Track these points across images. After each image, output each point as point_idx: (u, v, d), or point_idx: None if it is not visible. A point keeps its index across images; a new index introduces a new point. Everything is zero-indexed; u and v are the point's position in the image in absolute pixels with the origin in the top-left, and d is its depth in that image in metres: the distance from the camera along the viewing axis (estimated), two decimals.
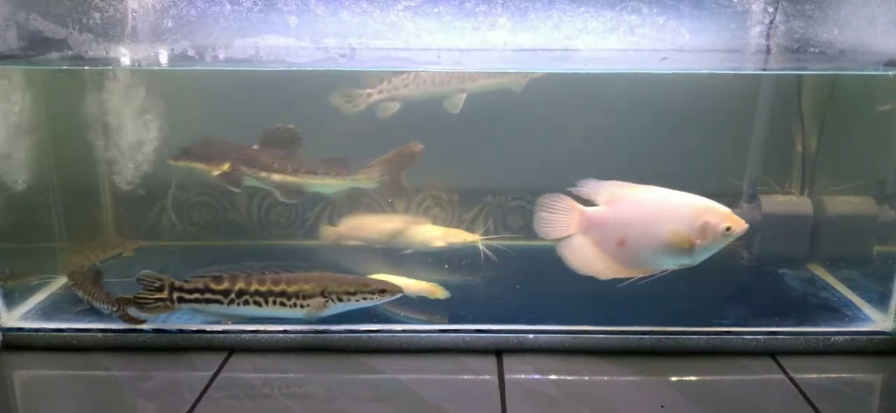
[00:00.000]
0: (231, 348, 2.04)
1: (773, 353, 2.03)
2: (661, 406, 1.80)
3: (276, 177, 2.23)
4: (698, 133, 2.47)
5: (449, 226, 2.52)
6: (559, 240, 1.92)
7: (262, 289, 1.99)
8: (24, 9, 1.86)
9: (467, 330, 2.05)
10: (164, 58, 1.91)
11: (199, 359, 2.00)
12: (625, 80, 2.33)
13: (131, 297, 2.01)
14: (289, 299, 1.99)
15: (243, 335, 2.04)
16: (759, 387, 1.91)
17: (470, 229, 2.45)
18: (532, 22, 1.92)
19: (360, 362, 1.99)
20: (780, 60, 1.96)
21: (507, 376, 1.92)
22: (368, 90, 2.28)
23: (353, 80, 2.27)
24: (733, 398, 1.86)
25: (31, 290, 2.25)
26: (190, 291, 2.00)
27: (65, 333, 2.05)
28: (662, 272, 1.87)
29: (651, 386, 1.89)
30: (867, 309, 2.20)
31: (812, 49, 1.92)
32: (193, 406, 1.79)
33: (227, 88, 2.36)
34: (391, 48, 1.93)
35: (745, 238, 1.87)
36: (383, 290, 1.99)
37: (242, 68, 1.96)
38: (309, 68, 1.94)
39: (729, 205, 1.85)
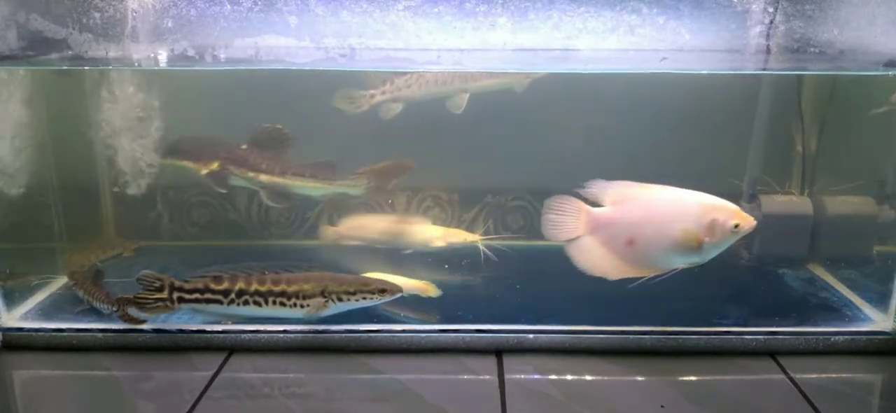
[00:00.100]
0: (231, 348, 2.04)
1: (773, 353, 2.03)
2: (661, 406, 1.80)
3: (264, 178, 2.23)
4: (698, 133, 2.47)
5: (449, 226, 2.52)
6: (567, 241, 1.92)
7: (262, 289, 1.99)
8: (24, 9, 1.86)
9: (467, 330, 2.05)
10: (163, 58, 1.91)
11: (199, 359, 2.00)
12: (625, 80, 2.33)
13: (131, 297, 2.01)
14: (289, 299, 1.99)
15: (243, 335, 2.04)
16: (759, 387, 1.91)
17: (470, 229, 2.45)
18: (532, 22, 1.92)
19: (360, 362, 1.99)
20: (780, 60, 1.96)
21: (507, 376, 1.92)
22: (371, 91, 2.28)
23: (354, 81, 2.27)
24: (733, 398, 1.86)
25: (31, 290, 2.26)
26: (190, 291, 2.00)
27: (65, 333, 2.05)
28: (671, 271, 1.87)
29: (651, 386, 1.89)
30: (867, 309, 2.20)
31: (812, 49, 1.92)
32: (193, 406, 1.79)
33: (227, 88, 2.36)
34: (391, 48, 1.93)
35: (746, 238, 1.87)
36: (383, 289, 1.99)
37: (242, 68, 1.96)
38: (309, 68, 1.94)
39: None
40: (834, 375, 1.96)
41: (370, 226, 2.45)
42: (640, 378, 1.93)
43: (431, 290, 2.18)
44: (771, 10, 1.92)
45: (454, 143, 2.43)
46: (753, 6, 1.93)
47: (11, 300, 2.15)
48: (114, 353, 2.02)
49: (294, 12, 1.90)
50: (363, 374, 1.94)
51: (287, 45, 1.91)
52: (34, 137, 2.22)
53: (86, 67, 2.08)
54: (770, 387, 1.91)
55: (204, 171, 2.21)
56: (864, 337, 2.07)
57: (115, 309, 2.06)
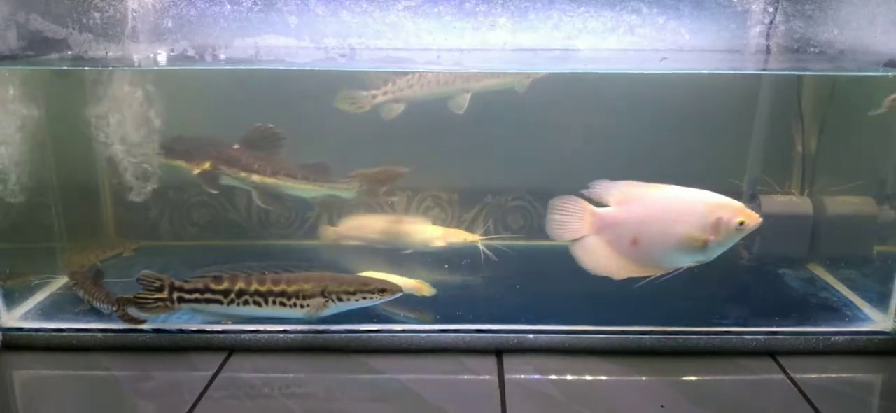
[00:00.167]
0: (231, 348, 2.04)
1: (773, 353, 2.03)
2: (661, 406, 1.80)
3: (255, 178, 2.23)
4: (698, 133, 2.47)
5: (449, 226, 2.52)
6: (572, 242, 1.92)
7: (262, 289, 1.99)
8: (24, 9, 1.86)
9: (467, 330, 2.05)
10: (163, 58, 1.91)
11: (199, 359, 2.00)
12: (625, 80, 2.33)
13: (131, 297, 2.01)
14: (289, 299, 1.99)
15: (243, 335, 2.04)
16: (759, 387, 1.91)
17: (470, 229, 2.45)
18: (532, 22, 1.93)
19: (360, 362, 1.99)
20: (780, 60, 1.96)
21: (507, 376, 1.92)
22: (373, 91, 2.27)
23: (355, 81, 2.27)
24: (733, 398, 1.86)
25: (31, 290, 2.26)
26: (190, 291, 2.00)
27: (65, 333, 2.05)
28: (676, 270, 1.87)
29: (651, 386, 1.89)
30: (867, 309, 2.20)
31: (812, 49, 1.92)
32: (193, 406, 1.79)
33: (226, 88, 2.36)
34: (391, 48, 1.93)
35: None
36: (383, 289, 1.99)
37: (242, 68, 1.96)
38: (309, 68, 1.94)
39: None
40: (834, 375, 1.95)
41: (370, 226, 2.45)
42: (640, 378, 1.93)
43: (426, 290, 2.18)
44: (771, 10, 1.92)
45: (454, 143, 2.43)
46: (753, 6, 1.93)
47: (11, 300, 2.15)
48: (114, 353, 2.02)
49: (294, 12, 1.90)
50: (363, 374, 1.94)
51: (287, 45, 1.91)
52: (34, 137, 2.22)
53: (86, 67, 2.08)
54: (770, 387, 1.91)
55: (195, 171, 2.21)
56: (864, 337, 2.07)
57: (115, 309, 2.06)
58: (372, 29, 1.91)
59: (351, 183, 2.30)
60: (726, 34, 1.95)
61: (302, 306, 1.99)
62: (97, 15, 1.87)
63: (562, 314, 2.09)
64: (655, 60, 1.95)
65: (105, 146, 2.27)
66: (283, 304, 1.99)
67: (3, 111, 2.13)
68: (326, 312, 1.99)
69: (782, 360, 2.00)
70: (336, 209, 2.55)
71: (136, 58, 1.91)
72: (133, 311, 2.04)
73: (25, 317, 2.14)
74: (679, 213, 1.84)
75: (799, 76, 2.46)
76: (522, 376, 1.93)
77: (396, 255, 2.38)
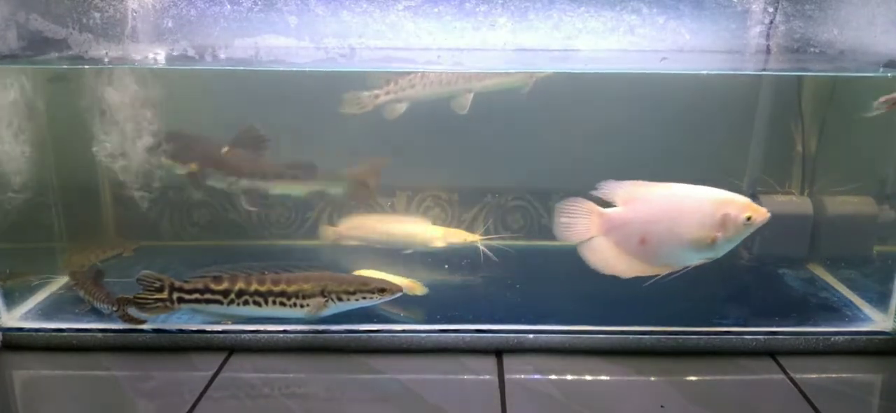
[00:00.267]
0: (231, 348, 2.04)
1: (773, 353, 2.03)
2: (661, 406, 1.80)
3: (242, 181, 2.24)
4: (698, 133, 2.47)
5: (449, 226, 2.52)
6: (580, 243, 1.92)
7: (262, 289, 1.99)
8: (24, 9, 1.86)
9: (467, 330, 2.05)
10: (163, 58, 1.91)
11: (199, 359, 2.00)
12: (625, 80, 2.33)
13: (131, 297, 2.01)
14: (289, 299, 1.99)
15: (243, 335, 2.04)
16: (759, 387, 1.91)
17: (470, 229, 2.45)
18: (532, 22, 1.93)
19: (360, 362, 1.99)
20: (780, 60, 1.96)
21: (507, 376, 1.92)
22: (375, 91, 2.27)
23: (355, 81, 2.27)
24: (733, 398, 1.86)
25: (31, 290, 2.26)
26: (190, 292, 2.00)
27: (65, 333, 2.05)
28: (685, 268, 1.87)
29: (651, 386, 1.89)
30: (867, 309, 2.20)
31: (812, 49, 1.92)
32: (193, 406, 1.79)
33: (227, 88, 2.36)
34: (391, 48, 1.93)
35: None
36: (383, 289, 1.99)
37: (242, 68, 1.96)
38: (309, 68, 1.94)
39: None
40: (834, 375, 1.96)
41: (370, 226, 2.45)
42: (640, 378, 1.93)
43: (418, 289, 2.18)
44: (771, 10, 1.92)
45: (454, 143, 2.43)
46: (753, 6, 1.93)
47: (11, 300, 2.15)
48: (114, 353, 2.02)
49: (294, 12, 1.90)
50: (363, 374, 1.94)
51: (287, 45, 1.91)
52: (34, 137, 2.22)
53: (86, 67, 2.08)
54: (770, 387, 1.91)
55: (181, 172, 2.22)
56: (864, 337, 2.07)
57: (115, 309, 2.06)
58: (372, 29, 1.91)
59: (338, 179, 2.31)
60: (726, 34, 1.95)
61: (302, 306, 1.99)
62: (97, 15, 1.87)
63: (562, 314, 2.09)
64: (655, 60, 1.95)
65: (106, 146, 2.27)
66: (283, 304, 1.99)
67: (2, 111, 2.14)
68: (326, 312, 1.99)
69: (782, 360, 2.00)
70: (336, 209, 2.55)
71: (136, 58, 1.91)
72: (133, 311, 2.04)
73: (25, 317, 2.14)
74: (686, 211, 1.84)
75: (799, 76, 2.46)
76: (522, 376, 1.93)
77: (396, 255, 2.38)
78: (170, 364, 1.98)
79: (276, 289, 1.99)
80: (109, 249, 2.55)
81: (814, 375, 1.93)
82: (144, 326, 2.05)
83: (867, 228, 2.39)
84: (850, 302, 2.26)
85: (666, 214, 1.86)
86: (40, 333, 2.06)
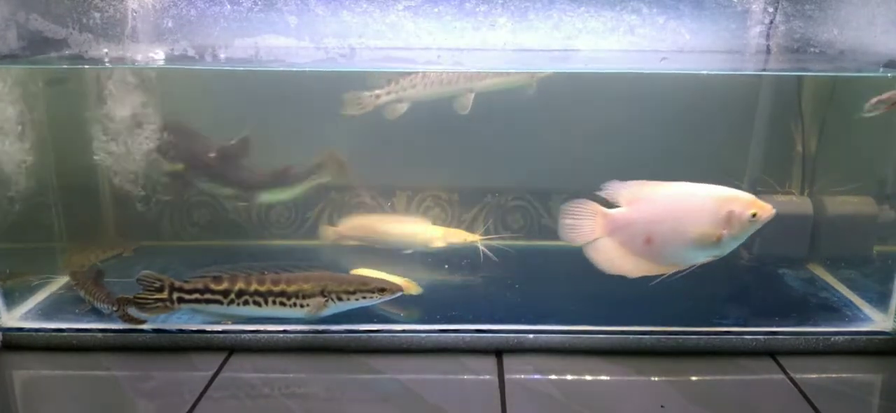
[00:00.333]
0: (231, 348, 2.04)
1: (773, 353, 2.03)
2: (661, 406, 1.80)
3: (225, 189, 2.26)
4: (698, 133, 2.47)
5: (449, 226, 2.52)
6: (586, 244, 1.92)
7: (262, 289, 1.99)
8: (24, 9, 1.86)
9: (467, 330, 2.05)
10: (163, 58, 1.91)
11: (199, 359, 2.00)
12: (625, 80, 2.32)
13: (131, 297, 2.01)
14: (289, 299, 1.99)
15: (243, 335, 2.04)
16: (759, 387, 1.91)
17: (470, 229, 2.45)
18: (532, 22, 1.93)
19: (360, 362, 1.99)
20: (780, 60, 1.96)
21: (507, 376, 1.92)
22: (376, 91, 2.27)
23: (356, 81, 2.27)
24: (733, 398, 1.86)
25: (31, 290, 2.25)
26: (190, 292, 2.00)
27: (65, 333, 2.05)
28: (691, 267, 1.86)
29: (651, 386, 1.89)
30: (867, 309, 2.20)
31: (812, 49, 1.93)
32: (193, 406, 1.79)
33: (226, 88, 2.36)
34: (391, 48, 1.93)
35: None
36: (383, 288, 1.99)
37: (242, 68, 1.96)
38: (309, 69, 1.94)
39: None
40: (834, 375, 1.96)
41: (370, 226, 2.45)
42: (640, 378, 1.93)
43: (412, 288, 2.18)
44: (771, 10, 1.92)
45: (454, 143, 2.43)
46: (753, 6, 1.93)
47: (11, 300, 2.15)
48: (114, 353, 2.02)
49: (294, 12, 1.90)
50: (363, 374, 1.94)
51: (287, 45, 1.91)
52: (34, 137, 2.22)
53: (86, 67, 2.08)
54: (770, 387, 1.91)
55: (167, 169, 2.22)
56: (864, 337, 2.07)
57: (115, 309, 2.06)
58: (372, 29, 1.91)
59: (311, 178, 2.35)
60: (726, 34, 1.95)
61: (302, 306, 1.99)
62: (97, 15, 1.87)
63: (562, 314, 2.09)
64: (655, 60, 1.95)
65: (106, 147, 2.27)
66: (283, 303, 1.99)
67: (2, 111, 2.14)
68: (326, 312, 1.99)
69: (782, 360, 2.00)
70: (336, 209, 2.55)
71: (136, 58, 1.91)
72: (133, 311, 2.04)
73: (25, 317, 2.14)
74: (690, 209, 1.84)
75: (799, 76, 2.46)
76: (522, 376, 1.93)
77: (396, 255, 2.38)
78: (170, 364, 1.98)
79: (276, 289, 1.99)
80: (109, 249, 2.55)
81: (814, 375, 1.93)
82: (144, 326, 2.05)
83: (867, 228, 2.39)
84: (850, 302, 2.26)
85: (670, 213, 1.86)
86: (40, 333, 2.06)
